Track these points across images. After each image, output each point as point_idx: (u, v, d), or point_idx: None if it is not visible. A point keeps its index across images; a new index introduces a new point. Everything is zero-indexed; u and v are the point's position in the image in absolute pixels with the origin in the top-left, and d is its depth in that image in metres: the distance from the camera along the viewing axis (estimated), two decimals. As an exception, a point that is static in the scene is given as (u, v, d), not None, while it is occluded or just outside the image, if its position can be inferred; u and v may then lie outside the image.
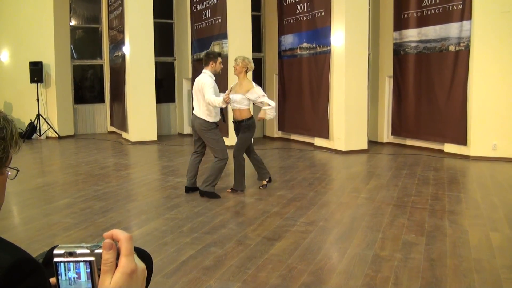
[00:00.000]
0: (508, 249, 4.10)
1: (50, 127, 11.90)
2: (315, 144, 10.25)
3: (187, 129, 12.75)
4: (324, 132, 9.79)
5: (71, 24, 12.75)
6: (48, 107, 11.98)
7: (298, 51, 10.57)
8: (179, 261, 3.80)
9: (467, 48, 8.48)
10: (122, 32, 11.43)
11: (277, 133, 11.88)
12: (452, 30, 8.72)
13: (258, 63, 12.00)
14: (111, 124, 13.27)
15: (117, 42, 12.11)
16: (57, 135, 11.91)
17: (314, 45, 10.04)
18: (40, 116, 11.76)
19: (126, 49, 11.21)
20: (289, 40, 10.90)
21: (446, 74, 8.89)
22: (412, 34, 9.61)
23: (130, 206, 5.63)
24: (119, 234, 0.77)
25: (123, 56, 11.52)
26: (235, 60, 6.09)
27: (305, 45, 10.34)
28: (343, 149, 9.31)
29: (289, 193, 6.14)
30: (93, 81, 13.74)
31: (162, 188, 6.53)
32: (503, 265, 3.70)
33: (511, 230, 4.61)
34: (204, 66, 5.83)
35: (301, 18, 10.40)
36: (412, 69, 9.69)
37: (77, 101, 13.00)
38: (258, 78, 12.04)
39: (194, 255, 3.93)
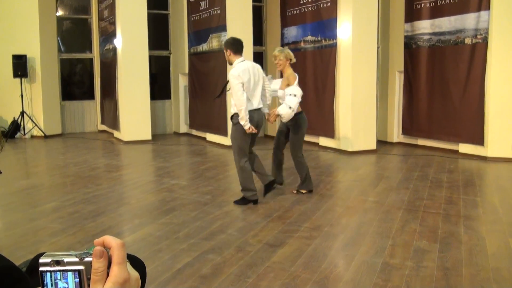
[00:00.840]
0: (528, 257, 4.09)
1: (35, 125, 11.90)
2: (319, 144, 10.25)
3: (183, 128, 12.76)
4: (329, 131, 9.79)
5: (58, 14, 12.75)
6: (33, 103, 11.97)
7: (302, 44, 10.57)
8: (175, 269, 3.80)
9: (485, 40, 8.47)
10: (114, 23, 11.43)
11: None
12: (468, 21, 8.71)
13: (259, 57, 12.00)
14: (102, 123, 13.28)
15: (108, 34, 12.11)
16: (43, 134, 11.91)
17: (319, 38, 10.04)
18: (25, 114, 11.76)
19: (117, 41, 11.22)
20: (292, 32, 10.89)
21: (462, 69, 8.88)
22: (424, 26, 9.61)
23: (122, 210, 5.63)
24: (111, 240, 0.76)
25: (114, 50, 11.52)
26: (275, 55, 6.03)
27: (309, 38, 10.34)
28: (349, 149, 9.31)
29: (292, 196, 6.14)
30: (82, 76, 13.73)
31: (157, 191, 6.53)
32: (522, 274, 3.69)
33: (531, 236, 4.61)
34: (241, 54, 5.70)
35: (305, 9, 10.40)
36: (424, 63, 9.68)
37: (64, 98, 12.99)
38: (259, 73, 12.02)
39: (191, 263, 3.93)
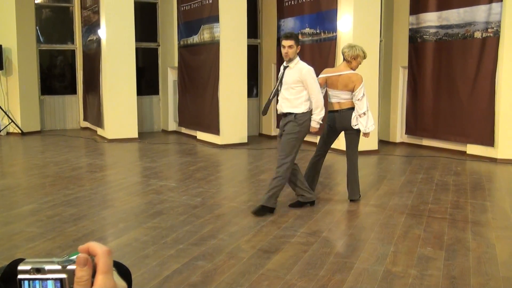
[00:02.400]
0: (540, 266, 4.12)
1: (12, 121, 11.85)
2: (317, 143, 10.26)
3: (172, 125, 12.75)
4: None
5: (36, 2, 12.70)
6: (10, 98, 11.93)
7: (300, 37, 10.57)
8: (162, 276, 3.80)
9: (496, 34, 8.51)
10: (97, 12, 11.39)
11: (274, 131, 11.87)
12: (478, 13, 8.74)
13: (254, 50, 12.01)
14: (85, 119, 13.25)
15: (91, 24, 12.07)
16: (20, 131, 11.87)
17: (318, 31, 10.05)
18: (0, 109, 11.72)
19: (102, 32, 11.18)
20: (289, 24, 10.90)
21: (471, 65, 8.91)
22: (431, 19, 9.64)
23: (106, 213, 5.62)
24: (96, 247, 0.76)
25: (98, 41, 11.48)
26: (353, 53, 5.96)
27: (307, 30, 10.35)
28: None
29: (288, 199, 6.14)
30: (63, 69, 13.71)
31: (143, 193, 6.52)
32: (534, 284, 3.71)
33: (542, 243, 4.63)
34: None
35: (304, -1, 10.42)
36: (430, 58, 9.71)
37: (44, 92, 12.96)
38: (254, 68, 12.06)
39: (180, 270, 3.92)
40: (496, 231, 4.98)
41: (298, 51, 5.60)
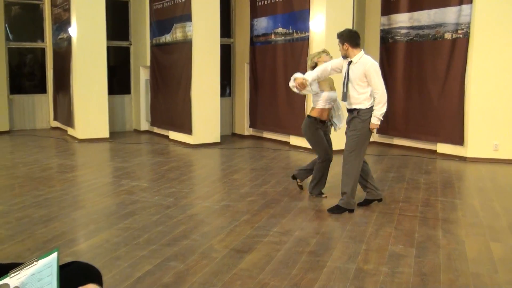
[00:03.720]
0: None
1: (-19, 121, 11.64)
2: (290, 143, 10.31)
3: (144, 125, 12.67)
4: (300, 130, 9.82)
5: (6, -1, 12.50)
6: (-21, 97, 11.71)
7: (273, 37, 10.61)
8: (134, 277, 3.77)
9: (466, 35, 8.67)
10: (68, 10, 11.26)
11: (248, 131, 11.90)
12: (449, 15, 8.89)
13: (227, 50, 12.00)
14: (55, 119, 13.07)
15: (61, 22, 11.92)
16: (-11, 131, 11.66)
17: (290, 31, 10.09)
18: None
19: (72, 30, 11.05)
20: (262, 24, 10.92)
21: (441, 65, 9.06)
22: (402, 20, 9.76)
23: (77, 214, 5.56)
24: None
25: (69, 39, 11.35)
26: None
27: (280, 30, 10.39)
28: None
29: (261, 198, 6.16)
30: (33, 68, 13.50)
31: (115, 194, 6.46)
32: (506, 280, 3.79)
33: (512, 240, 4.74)
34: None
35: (277, -1, 10.45)
36: (401, 59, 9.83)
37: (13, 91, 12.74)
38: (227, 67, 12.05)
39: (152, 271, 3.90)
40: (466, 228, 5.07)
41: (346, 48, 5.55)
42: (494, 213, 5.64)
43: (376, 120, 5.47)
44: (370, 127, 5.51)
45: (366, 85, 5.48)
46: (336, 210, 5.58)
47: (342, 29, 5.75)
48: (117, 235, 4.79)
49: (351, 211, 5.59)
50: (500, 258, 4.26)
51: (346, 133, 5.73)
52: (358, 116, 5.52)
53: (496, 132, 8.57)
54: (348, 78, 5.58)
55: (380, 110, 5.46)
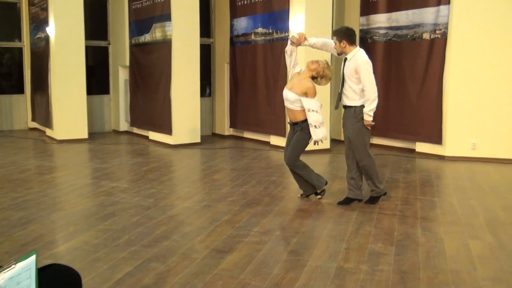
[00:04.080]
0: (490, 259, 4.26)
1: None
2: (271, 143, 10.33)
3: (124, 126, 12.59)
4: (281, 130, 9.88)
5: (-18, -1, 12.33)
6: (-46, 98, 11.54)
7: (253, 36, 10.62)
8: (114, 279, 3.75)
9: (444, 36, 8.77)
10: (46, 9, 11.15)
11: (228, 131, 11.89)
12: (427, 15, 8.99)
13: (206, 50, 11.98)
14: (33, 119, 12.94)
15: (39, 21, 11.80)
16: (-35, 132, 11.49)
17: (270, 31, 10.11)
18: None
19: (50, 30, 10.94)
20: (242, 24, 10.92)
21: (419, 65, 9.15)
22: (381, 20, 9.84)
23: (56, 216, 5.50)
24: None
25: (46, 38, 11.23)
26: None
27: (260, 30, 10.40)
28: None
29: (242, 198, 6.16)
30: (10, 68, 13.34)
31: (94, 195, 6.41)
32: (485, 277, 3.84)
33: (493, 237, 4.80)
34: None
35: (257, -1, 10.46)
36: (380, 59, 9.90)
37: (-10, 92, 12.59)
38: (207, 67, 12.03)
39: (132, 272, 3.88)
40: (444, 226, 5.13)
41: (343, 45, 5.66)
42: (472, 211, 5.71)
43: (367, 116, 5.59)
44: (364, 123, 5.63)
45: (358, 81, 5.59)
46: (372, 200, 5.91)
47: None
48: (96, 236, 4.75)
49: (385, 194, 5.99)
50: (478, 255, 4.32)
51: (344, 131, 5.91)
52: (354, 115, 5.66)
53: (473, 131, 8.69)
54: (343, 76, 5.71)
55: (368, 106, 5.58)
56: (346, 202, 5.91)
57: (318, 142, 5.87)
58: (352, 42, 5.67)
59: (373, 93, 5.55)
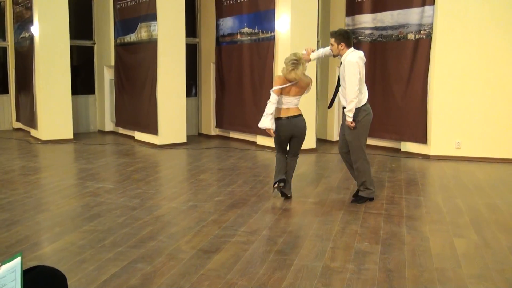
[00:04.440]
0: (475, 257, 4.30)
1: None
2: (257, 142, 10.33)
3: (109, 126, 12.52)
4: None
5: (-35, -2, 12.20)
6: None
7: (239, 36, 10.61)
8: (100, 280, 3.72)
9: (429, 36, 8.83)
10: (30, 8, 11.06)
11: (214, 131, 11.87)
12: (412, 16, 9.04)
13: (192, 50, 11.95)
14: (17, 120, 12.84)
15: (23, 21, 11.70)
16: None
17: (256, 31, 10.11)
18: None
19: (34, 29, 10.85)
20: (228, 23, 10.91)
21: (404, 65, 9.20)
22: (366, 20, 9.88)
23: (41, 217, 5.45)
24: None
25: (31, 38, 11.14)
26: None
27: (246, 30, 10.39)
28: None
29: (228, 198, 6.16)
30: (-7, 68, 13.22)
31: (80, 195, 6.37)
32: (470, 275, 3.88)
33: (477, 235, 4.84)
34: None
35: (242, -1, 10.45)
36: (366, 59, 9.89)
37: (-27, 92, 12.47)
38: (193, 67, 12.00)
39: (118, 273, 3.86)
40: (430, 225, 5.17)
41: (341, 47, 5.73)
42: (457, 209, 5.76)
43: (347, 117, 5.67)
44: (348, 125, 5.70)
45: None
46: (359, 199, 5.96)
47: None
48: (82, 237, 4.72)
49: (371, 199, 5.99)
50: (463, 253, 4.36)
51: (343, 132, 5.97)
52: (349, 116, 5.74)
53: (458, 131, 8.76)
54: (339, 77, 5.84)
55: (347, 106, 5.66)
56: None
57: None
58: (349, 45, 5.77)
59: (352, 94, 5.60)
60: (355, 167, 5.95)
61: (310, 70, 9.41)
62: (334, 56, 5.96)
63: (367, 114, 5.80)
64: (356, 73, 5.61)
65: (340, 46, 5.73)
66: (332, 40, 5.79)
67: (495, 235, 4.85)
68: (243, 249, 4.41)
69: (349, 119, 5.66)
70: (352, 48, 5.80)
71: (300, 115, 6.01)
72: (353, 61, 5.63)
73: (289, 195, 6.12)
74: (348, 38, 5.76)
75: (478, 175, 7.67)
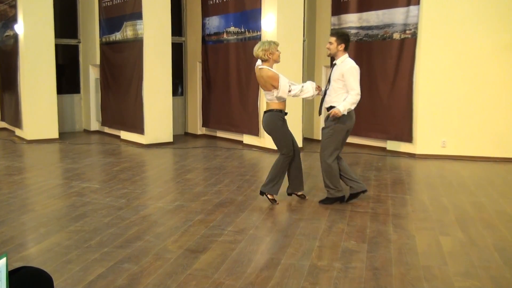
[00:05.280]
0: (461, 255, 4.33)
1: None
2: (244, 142, 10.33)
3: (95, 125, 12.45)
4: (254, 129, 9.89)
5: None
6: None
7: (225, 35, 10.59)
8: (86, 281, 3.70)
9: (414, 36, 8.88)
10: (14, 6, 10.96)
11: (200, 130, 11.85)
12: (397, 15, 9.10)
13: (178, 48, 11.92)
14: (2, 119, 12.76)
15: (8, 19, 11.60)
16: None
17: (242, 30, 10.10)
18: None
19: (19, 27, 10.75)
20: (214, 22, 10.89)
21: (390, 65, 9.26)
22: (352, 20, 9.91)
23: (26, 218, 5.41)
24: None
25: (15, 36, 11.04)
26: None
27: (232, 29, 10.39)
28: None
29: (215, 197, 6.15)
30: (-23, 67, 13.07)
31: (65, 195, 6.32)
32: (456, 272, 3.91)
33: (463, 233, 4.88)
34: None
35: (228, -2, 10.44)
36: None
37: (-44, 91, 12.33)
38: (179, 66, 11.97)
39: (104, 274, 3.84)
40: (416, 223, 5.20)
41: (341, 48, 5.76)
42: (443, 207, 5.80)
43: (342, 106, 5.60)
44: (333, 112, 5.63)
45: (342, 85, 5.70)
46: (327, 201, 5.91)
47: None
48: (68, 238, 4.69)
49: (342, 198, 5.92)
50: (449, 251, 4.39)
51: (322, 129, 5.96)
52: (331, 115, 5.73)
53: (443, 129, 8.83)
54: (329, 79, 5.85)
55: (348, 102, 5.64)
56: (352, 197, 5.99)
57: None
58: (347, 49, 5.85)
59: (355, 97, 5.69)
60: (321, 166, 5.92)
61: (297, 72, 9.45)
62: (328, 55, 5.96)
63: (349, 118, 5.77)
64: (359, 78, 5.73)
65: (339, 47, 5.77)
66: (333, 39, 5.78)
67: (481, 233, 4.89)
68: (230, 248, 4.40)
69: (340, 113, 5.61)
70: (347, 54, 5.86)
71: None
72: (357, 67, 5.74)
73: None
74: (348, 41, 5.85)
75: (464, 174, 7.74)
